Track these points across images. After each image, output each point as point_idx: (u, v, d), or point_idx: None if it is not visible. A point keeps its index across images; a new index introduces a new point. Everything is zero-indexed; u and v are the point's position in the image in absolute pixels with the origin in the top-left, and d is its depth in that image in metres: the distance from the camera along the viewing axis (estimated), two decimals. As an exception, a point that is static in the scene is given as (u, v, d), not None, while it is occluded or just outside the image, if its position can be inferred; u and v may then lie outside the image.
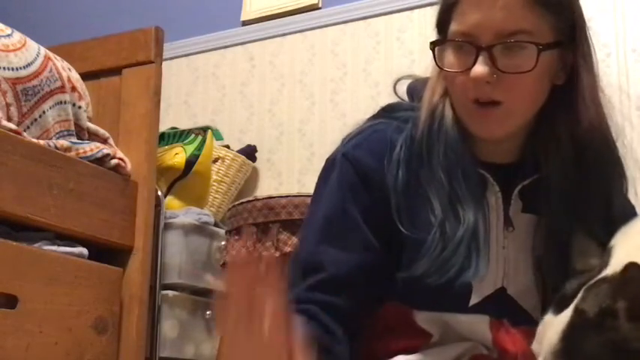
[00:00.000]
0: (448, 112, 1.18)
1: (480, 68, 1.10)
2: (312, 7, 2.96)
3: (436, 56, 1.17)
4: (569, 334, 1.00)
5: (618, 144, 1.20)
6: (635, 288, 0.96)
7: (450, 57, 1.15)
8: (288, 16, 3.00)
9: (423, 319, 1.16)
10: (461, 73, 1.13)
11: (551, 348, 1.00)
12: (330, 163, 1.24)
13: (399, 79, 1.33)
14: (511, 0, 1.10)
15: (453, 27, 1.14)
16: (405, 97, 1.32)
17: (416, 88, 1.29)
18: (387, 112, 1.29)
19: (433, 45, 1.17)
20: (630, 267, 0.97)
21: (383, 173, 1.17)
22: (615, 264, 1.02)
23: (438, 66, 1.16)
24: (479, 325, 1.15)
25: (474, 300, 1.14)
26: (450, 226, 1.12)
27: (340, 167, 1.20)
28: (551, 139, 1.17)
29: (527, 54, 1.10)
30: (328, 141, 2.80)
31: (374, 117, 1.29)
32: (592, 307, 0.99)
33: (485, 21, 1.10)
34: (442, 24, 1.18)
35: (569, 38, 1.15)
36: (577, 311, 1.00)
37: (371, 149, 1.19)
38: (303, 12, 2.98)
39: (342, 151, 1.21)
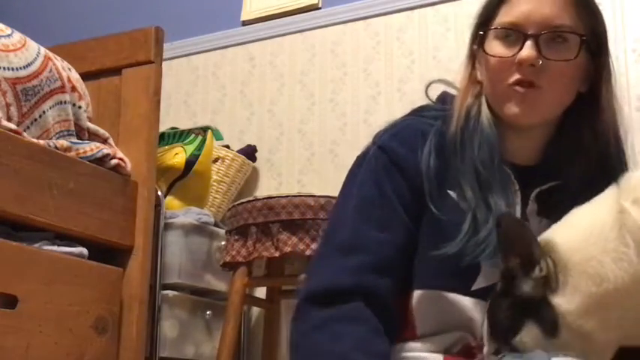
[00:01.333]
0: (484, 110, 1.27)
1: (527, 51, 1.20)
2: (312, 7, 2.96)
3: (484, 45, 1.26)
4: (489, 312, 1.10)
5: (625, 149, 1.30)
6: (516, 240, 1.05)
7: (495, 45, 1.25)
8: (288, 16, 3.00)
9: (424, 297, 1.20)
10: (505, 60, 1.22)
11: (485, 330, 1.10)
12: (362, 157, 1.31)
13: (430, 83, 1.41)
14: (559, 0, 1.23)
15: (500, 19, 1.25)
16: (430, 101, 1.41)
17: (448, 95, 1.38)
18: (417, 111, 1.37)
19: (478, 33, 1.28)
20: (501, 218, 1.07)
21: (416, 161, 1.25)
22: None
23: (485, 52, 1.25)
24: (479, 310, 1.18)
25: (479, 284, 1.19)
26: (480, 212, 1.19)
27: (375, 157, 1.27)
28: (579, 148, 1.25)
29: (570, 45, 1.22)
30: (328, 141, 2.81)
31: (406, 116, 1.37)
32: (499, 279, 1.09)
33: (534, 12, 1.22)
34: (486, 20, 1.28)
35: (596, 48, 1.25)
36: (494, 290, 1.10)
37: (404, 140, 1.27)
38: (303, 12, 2.98)
39: (377, 144, 1.29)
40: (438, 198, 1.23)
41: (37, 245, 1.79)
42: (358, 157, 1.32)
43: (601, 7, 1.29)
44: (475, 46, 1.31)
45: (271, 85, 3.00)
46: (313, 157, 2.83)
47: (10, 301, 1.69)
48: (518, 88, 1.21)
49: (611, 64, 1.27)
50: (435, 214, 1.21)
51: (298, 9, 2.98)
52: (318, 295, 1.19)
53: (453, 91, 1.37)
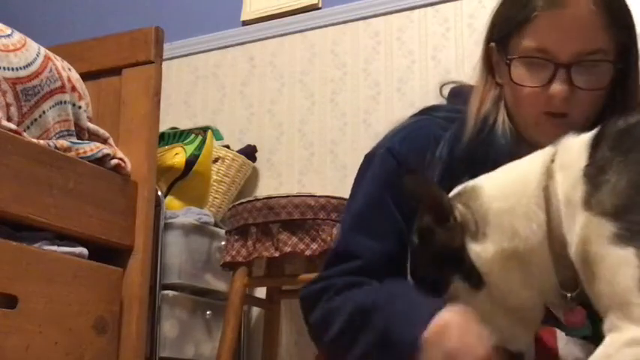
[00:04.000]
0: (501, 120, 1.21)
1: (559, 87, 1.14)
2: (312, 7, 2.96)
3: (511, 71, 1.18)
4: (412, 271, 1.10)
5: None
6: (423, 196, 1.05)
7: (521, 71, 1.18)
8: (288, 16, 3.00)
9: None
10: (535, 90, 1.16)
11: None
12: (370, 157, 1.28)
13: (444, 84, 1.37)
14: (593, 21, 1.14)
15: (526, 41, 1.16)
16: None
17: (461, 92, 1.32)
18: (431, 110, 1.32)
19: (508, 60, 1.19)
20: (405, 181, 1.06)
21: (424, 168, 1.21)
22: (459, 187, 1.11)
23: (513, 81, 1.18)
24: None
25: None
26: None
27: (383, 160, 1.24)
28: None
29: (603, 72, 1.16)
30: (328, 141, 2.81)
31: (416, 115, 1.32)
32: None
33: (566, 40, 1.14)
34: (505, 36, 1.20)
35: (626, 64, 1.19)
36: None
37: (415, 144, 1.24)
38: (303, 12, 2.98)
39: (386, 145, 1.26)
40: None
41: (37, 245, 1.79)
42: (367, 156, 1.30)
43: None
44: (492, 44, 1.24)
45: (271, 85, 3.00)
46: (313, 157, 2.83)
47: (10, 301, 1.69)
48: (547, 117, 1.17)
49: (637, 66, 1.22)
50: None
51: (298, 9, 2.98)
52: (308, 292, 1.24)
53: (465, 87, 1.33)
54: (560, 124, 1.16)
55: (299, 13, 2.99)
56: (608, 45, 1.16)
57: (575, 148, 1.00)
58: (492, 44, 1.25)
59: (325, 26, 2.94)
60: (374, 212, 1.22)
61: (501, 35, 1.21)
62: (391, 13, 2.83)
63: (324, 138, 2.82)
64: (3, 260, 1.67)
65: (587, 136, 1.00)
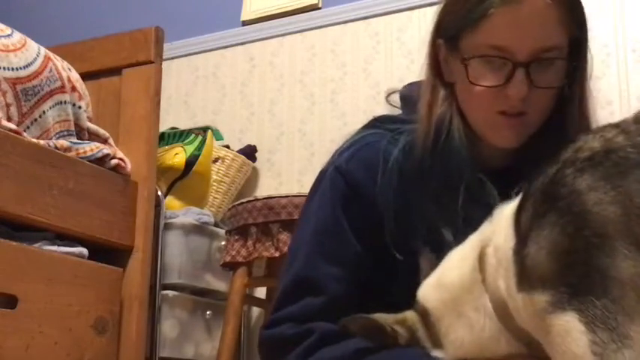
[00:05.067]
0: (456, 124, 1.17)
1: (518, 86, 1.10)
2: (312, 7, 2.96)
3: (468, 71, 1.13)
4: None
5: None
6: (369, 333, 1.04)
7: (477, 70, 1.13)
8: (288, 16, 3.00)
9: None
10: (492, 89, 1.12)
11: None
12: (322, 176, 1.23)
13: (389, 94, 1.32)
14: (549, 16, 1.10)
15: (481, 39, 1.11)
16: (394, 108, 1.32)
17: (411, 97, 1.27)
18: (380, 122, 1.26)
19: (464, 59, 1.14)
20: (343, 326, 1.03)
21: (375, 190, 1.16)
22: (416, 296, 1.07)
23: (470, 81, 1.13)
24: None
25: None
26: (441, 249, 1.11)
27: (332, 180, 1.19)
28: (548, 144, 1.15)
29: (558, 69, 1.13)
30: (328, 141, 2.81)
31: (366, 127, 1.26)
32: None
33: (524, 37, 1.10)
34: (456, 30, 1.15)
35: (577, 56, 1.16)
36: None
37: (364, 163, 1.18)
38: (303, 12, 2.98)
39: (334, 164, 1.20)
40: (401, 237, 1.15)
41: (37, 245, 1.79)
42: (320, 173, 1.24)
43: (601, 8, 1.25)
44: (440, 41, 1.18)
45: (271, 85, 3.00)
46: (313, 157, 2.83)
47: (10, 301, 1.69)
48: (502, 117, 1.13)
49: (588, 61, 1.18)
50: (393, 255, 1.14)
51: (298, 9, 2.98)
52: (275, 338, 1.17)
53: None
54: (515, 124, 1.13)
55: (299, 13, 2.99)
56: (563, 41, 1.12)
57: (503, 224, 0.95)
58: (440, 41, 1.19)
59: (325, 26, 2.94)
60: (331, 236, 1.16)
61: (451, 32, 1.16)
62: (391, 13, 2.83)
63: (324, 138, 2.83)
64: (3, 260, 1.67)
65: (513, 207, 0.95)
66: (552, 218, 0.86)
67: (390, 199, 1.15)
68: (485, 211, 1.11)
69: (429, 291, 1.04)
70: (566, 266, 0.83)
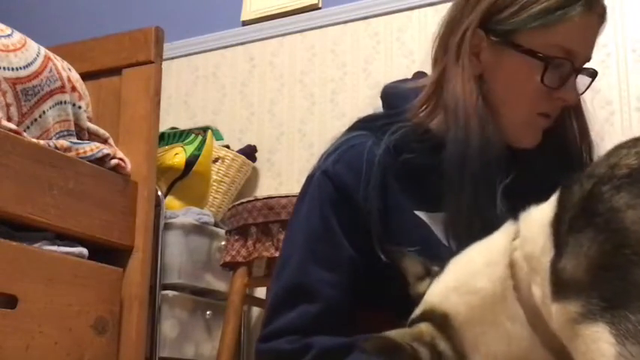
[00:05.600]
0: (491, 124, 1.14)
1: (574, 91, 1.13)
2: (312, 7, 2.96)
3: (544, 72, 1.12)
4: None
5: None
6: (390, 354, 0.95)
7: (537, 69, 1.12)
8: (288, 16, 3.00)
9: None
10: (546, 89, 1.12)
11: None
12: (309, 181, 1.22)
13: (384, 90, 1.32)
14: (598, 27, 1.14)
15: (555, 40, 1.11)
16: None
17: (396, 94, 1.27)
18: (365, 122, 1.26)
19: (541, 56, 1.12)
20: (363, 345, 0.96)
21: (360, 193, 1.15)
22: (423, 303, 1.02)
23: (543, 83, 1.11)
24: None
25: None
26: (430, 250, 1.10)
27: (320, 183, 1.18)
28: (544, 148, 1.18)
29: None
30: (328, 141, 2.78)
31: (351, 129, 1.26)
32: None
33: (588, 46, 1.13)
34: (520, 25, 1.12)
35: None
36: None
37: (349, 165, 1.17)
38: (303, 12, 2.98)
39: (321, 168, 1.20)
40: (387, 239, 1.13)
41: (37, 245, 1.79)
42: (307, 179, 1.23)
43: None
44: (482, 32, 1.15)
45: (271, 85, 3.00)
46: (313, 157, 2.80)
47: (10, 301, 1.69)
48: (541, 118, 1.14)
49: None
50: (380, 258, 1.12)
51: (298, 9, 2.98)
52: (272, 354, 1.15)
53: (401, 86, 1.27)
54: (546, 125, 1.16)
55: (299, 13, 2.99)
56: None
57: (537, 233, 0.93)
58: (481, 32, 1.16)
59: (325, 26, 2.94)
60: (322, 241, 1.15)
61: (510, 26, 1.12)
62: (391, 13, 2.83)
63: (324, 138, 2.81)
64: (3, 260, 1.67)
65: (546, 215, 0.93)
66: (590, 234, 0.86)
67: (375, 199, 1.14)
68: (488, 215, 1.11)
69: (448, 295, 1.00)
70: (603, 281, 0.83)
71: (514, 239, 0.96)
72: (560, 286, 0.87)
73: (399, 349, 0.97)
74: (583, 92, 1.18)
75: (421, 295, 1.05)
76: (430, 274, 1.07)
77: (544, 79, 1.11)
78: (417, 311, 1.02)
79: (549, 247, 0.91)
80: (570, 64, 1.11)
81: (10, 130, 1.75)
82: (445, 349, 0.97)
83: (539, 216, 0.95)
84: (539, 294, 0.91)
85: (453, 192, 1.11)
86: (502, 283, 0.95)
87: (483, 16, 1.15)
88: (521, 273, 0.94)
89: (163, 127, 2.62)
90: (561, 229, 0.90)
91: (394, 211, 1.15)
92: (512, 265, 0.95)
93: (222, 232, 2.52)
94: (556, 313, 0.88)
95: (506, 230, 0.99)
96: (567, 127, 1.20)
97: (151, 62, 2.14)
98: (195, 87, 3.14)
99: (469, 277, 0.99)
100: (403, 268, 1.09)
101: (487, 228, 1.04)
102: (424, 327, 0.99)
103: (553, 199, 0.95)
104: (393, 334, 0.98)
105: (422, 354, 0.96)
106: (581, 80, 1.16)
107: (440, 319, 0.98)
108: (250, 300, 2.58)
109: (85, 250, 1.89)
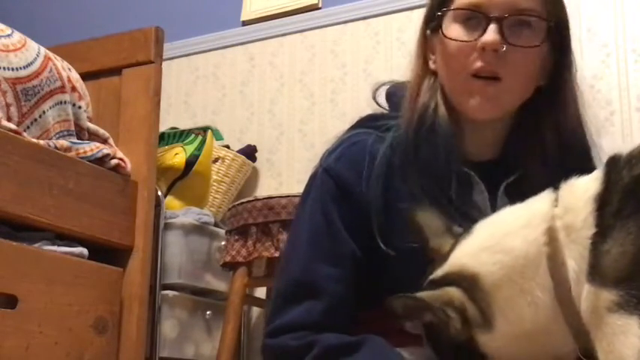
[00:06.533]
0: (441, 108, 1.19)
1: (490, 35, 1.12)
2: (312, 7, 2.96)
3: (442, 28, 1.18)
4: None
5: (595, 138, 1.22)
6: (413, 314, 0.97)
7: (454, 29, 1.17)
8: (288, 16, 3.00)
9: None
10: (466, 45, 1.15)
11: None
12: (312, 178, 1.24)
13: (377, 87, 1.33)
14: None
15: (458, 2, 1.16)
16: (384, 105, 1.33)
17: (395, 93, 1.29)
18: (366, 121, 1.28)
19: (434, 15, 1.19)
20: (388, 305, 0.96)
21: (362, 186, 1.17)
22: (449, 264, 1.00)
23: (443, 35, 1.17)
24: None
25: None
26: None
27: (322, 181, 1.21)
28: (535, 139, 1.19)
29: (535, 31, 1.15)
30: (328, 141, 2.80)
31: (353, 127, 1.28)
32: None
33: None
34: (442, 2, 1.20)
35: (559, 39, 1.19)
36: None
37: (351, 162, 1.19)
38: (303, 12, 2.98)
39: (323, 166, 1.22)
40: (389, 231, 1.15)
41: (37, 245, 1.79)
42: (310, 177, 1.26)
43: (601, 7, 1.26)
44: (429, 31, 1.23)
45: (271, 85, 3.00)
46: (313, 157, 2.80)
47: (10, 301, 1.69)
48: (479, 80, 1.14)
49: (572, 57, 1.21)
50: (384, 251, 1.14)
51: (298, 9, 2.98)
52: (278, 350, 1.17)
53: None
54: (491, 88, 1.14)
55: (299, 13, 2.99)
56: (542, 9, 1.15)
57: (580, 205, 0.92)
58: (428, 32, 1.24)
59: (325, 26, 2.94)
60: (326, 237, 1.17)
61: (438, 3, 1.21)
62: (391, 13, 2.83)
63: (324, 138, 2.80)
64: (3, 260, 1.67)
65: (591, 190, 0.92)
66: (639, 222, 0.85)
67: (378, 195, 1.16)
68: (474, 203, 1.14)
69: (478, 254, 0.97)
70: None
71: (556, 209, 0.95)
72: (599, 270, 0.86)
73: (430, 311, 0.96)
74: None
75: (439, 252, 1.03)
76: (451, 232, 1.05)
77: (444, 32, 1.16)
78: (440, 272, 1.00)
79: (591, 222, 0.90)
80: (483, 15, 1.14)
81: (10, 130, 1.75)
82: (473, 315, 0.95)
83: (584, 188, 0.94)
84: (575, 268, 0.90)
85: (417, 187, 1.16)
86: (537, 248, 0.94)
87: (425, 20, 1.26)
88: (557, 242, 0.93)
89: (163, 127, 2.62)
90: (607, 209, 0.89)
91: (396, 202, 1.16)
92: (550, 232, 0.93)
93: (222, 232, 2.52)
94: (588, 294, 0.87)
95: (547, 196, 0.98)
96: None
97: (151, 62, 2.14)
98: (195, 87, 3.14)
99: (502, 236, 0.97)
100: (419, 223, 1.08)
101: (466, 220, 1.06)
102: (452, 291, 0.97)
103: (599, 175, 0.93)
104: (423, 295, 0.96)
105: (453, 320, 0.95)
106: (519, 30, 1.15)
107: (469, 281, 0.96)
108: (250, 300, 2.58)
109: (85, 250, 1.89)
